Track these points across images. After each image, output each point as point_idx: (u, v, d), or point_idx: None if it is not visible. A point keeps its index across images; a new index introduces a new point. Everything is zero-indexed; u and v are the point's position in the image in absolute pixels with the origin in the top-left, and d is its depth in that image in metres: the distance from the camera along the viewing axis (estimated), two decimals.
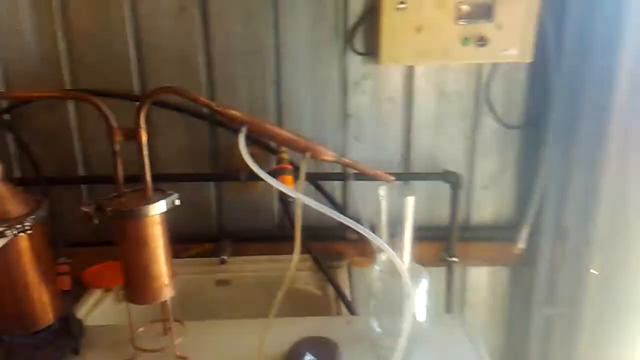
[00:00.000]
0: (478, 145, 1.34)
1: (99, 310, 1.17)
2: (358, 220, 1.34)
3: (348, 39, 1.25)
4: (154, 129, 1.31)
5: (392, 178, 0.81)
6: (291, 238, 1.37)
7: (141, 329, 0.94)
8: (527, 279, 1.38)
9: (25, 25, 1.22)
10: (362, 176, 1.26)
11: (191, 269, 1.30)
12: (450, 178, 1.29)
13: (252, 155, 1.30)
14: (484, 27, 1.13)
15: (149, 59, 1.26)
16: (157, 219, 0.82)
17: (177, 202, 0.84)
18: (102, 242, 1.35)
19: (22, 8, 1.22)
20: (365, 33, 1.24)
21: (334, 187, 1.36)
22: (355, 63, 1.27)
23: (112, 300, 1.22)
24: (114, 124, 0.79)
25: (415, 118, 1.32)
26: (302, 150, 0.76)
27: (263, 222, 1.39)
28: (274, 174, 1.17)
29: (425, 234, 1.37)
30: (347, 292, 1.18)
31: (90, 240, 1.36)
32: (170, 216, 1.39)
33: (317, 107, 1.29)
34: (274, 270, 1.32)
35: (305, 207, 0.79)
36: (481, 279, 1.46)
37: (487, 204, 1.39)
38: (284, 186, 0.72)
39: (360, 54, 1.25)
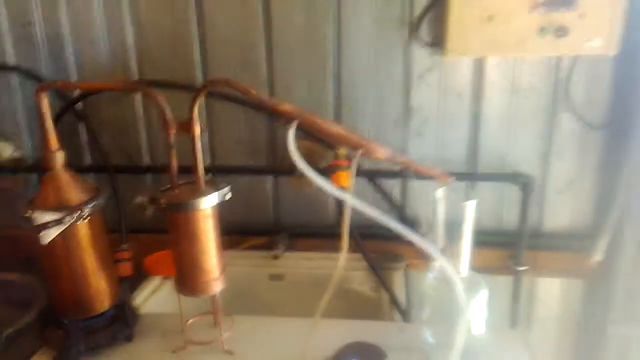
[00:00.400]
0: (554, 145, 1.23)
1: (156, 297, 1.20)
2: (416, 222, 1.29)
3: (413, 29, 1.18)
4: (215, 121, 1.32)
5: (452, 179, 0.75)
6: (350, 236, 1.34)
7: (192, 320, 0.94)
8: (603, 293, 1.25)
9: (97, 18, 1.27)
10: (423, 175, 1.21)
11: (246, 261, 1.30)
12: (521, 180, 1.19)
13: (310, 151, 1.29)
14: (564, 16, 1.03)
15: (212, 51, 1.27)
16: (208, 212, 0.82)
17: (229, 196, 0.84)
18: (165, 230, 1.40)
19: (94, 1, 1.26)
20: (432, 23, 1.17)
21: (393, 186, 1.30)
22: (421, 55, 1.20)
23: (170, 289, 1.25)
24: (169, 115, 0.79)
25: (484, 114, 1.23)
26: (354, 147, 0.72)
27: (319, 218, 1.36)
28: (329, 170, 1.14)
29: (491, 240, 1.29)
30: (402, 296, 1.13)
31: (153, 228, 1.41)
32: (226, 208, 1.40)
33: (379, 101, 1.24)
34: (328, 268, 1.29)
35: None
36: (552, 292, 1.34)
37: (562, 209, 1.28)
38: (329, 184, 0.68)
39: (426, 45, 1.18)
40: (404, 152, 1.26)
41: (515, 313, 1.26)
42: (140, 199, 0.76)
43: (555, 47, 1.06)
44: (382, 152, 0.73)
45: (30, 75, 1.31)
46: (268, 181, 1.35)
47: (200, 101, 0.79)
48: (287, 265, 1.30)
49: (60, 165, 0.84)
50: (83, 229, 0.85)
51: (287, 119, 0.73)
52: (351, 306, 1.24)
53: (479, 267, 0.88)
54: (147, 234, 1.35)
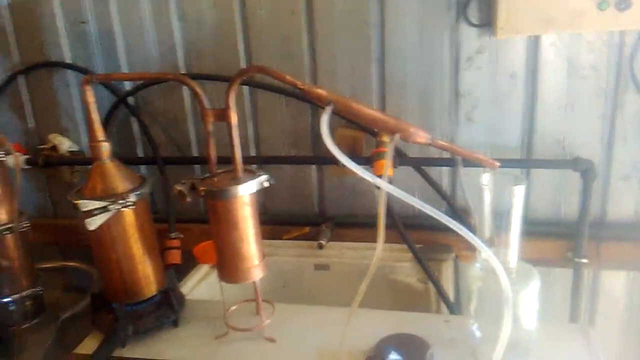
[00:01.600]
0: (618, 128, 1.14)
1: (205, 284, 1.22)
2: (467, 212, 1.23)
3: (461, 9, 1.13)
4: (259, 113, 1.32)
5: (498, 164, 0.70)
6: (393, 226, 1.31)
7: (234, 307, 0.95)
8: None
9: (145, 14, 1.30)
10: (469, 160, 1.15)
11: (291, 251, 1.30)
12: (582, 166, 1.11)
13: (354, 139, 1.26)
14: None
15: (255, 42, 1.27)
16: (246, 199, 0.82)
17: (267, 184, 0.83)
18: None
19: None
20: (480, 2, 1.10)
21: (442, 174, 1.25)
22: (469, 36, 1.14)
23: (216, 277, 1.27)
24: (207, 104, 0.80)
25: (540, 96, 1.15)
26: (391, 131, 0.70)
27: (364, 208, 1.34)
28: (372, 158, 1.12)
29: (549, 230, 1.21)
30: (449, 288, 1.09)
31: (203, 218, 1.44)
32: (271, 198, 1.41)
33: (424, 85, 1.20)
34: (373, 258, 1.27)
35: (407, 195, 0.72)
36: (617, 286, 1.24)
37: (628, 197, 1.18)
38: (367, 172, 0.66)
39: (475, 25, 1.13)
40: (453, 139, 1.20)
41: (576, 307, 1.18)
42: (180, 187, 0.77)
43: (617, 21, 0.97)
44: (422, 136, 0.69)
45: (85, 72, 1.37)
46: (312, 171, 1.34)
47: (237, 91, 0.79)
48: (332, 255, 1.29)
49: (107, 155, 0.87)
50: (129, 216, 0.87)
51: (323, 103, 0.71)
52: (397, 298, 1.22)
53: (535, 259, 0.83)
54: (196, 223, 1.40)
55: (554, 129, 1.17)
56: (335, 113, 0.72)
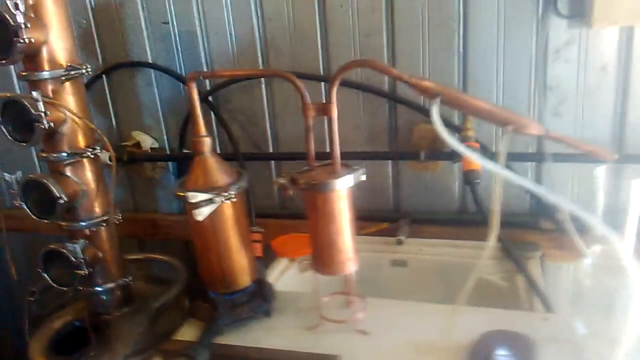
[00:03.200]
0: None
1: (285, 277, 1.25)
2: (554, 209, 1.20)
3: (549, 1, 1.10)
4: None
5: (615, 156, 0.68)
6: (472, 223, 1.29)
7: (325, 299, 0.97)
8: None
9: (224, 12, 1.34)
10: (564, 158, 1.12)
11: (368, 246, 1.30)
12: None
13: (433, 135, 1.25)
14: None
15: (334, 38, 1.28)
16: (344, 192, 0.83)
17: (363, 177, 0.84)
18: (288, 214, 1.46)
19: None
20: None
21: (526, 169, 1.23)
22: (558, 27, 1.11)
23: (296, 270, 1.29)
24: (308, 99, 0.82)
25: (632, 90, 1.11)
26: (503, 123, 0.69)
27: (442, 204, 1.32)
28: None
29: None
30: (540, 286, 1.06)
31: (278, 213, 1.47)
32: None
33: (509, 79, 1.17)
34: (452, 256, 1.26)
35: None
36: None
37: None
38: (488, 161, 0.65)
39: (564, 16, 1.09)
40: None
41: None
42: (281, 180, 0.79)
43: None
44: (535, 128, 0.68)
45: (165, 71, 1.42)
46: (388, 167, 1.34)
47: (337, 87, 0.80)
48: (409, 251, 1.28)
49: (208, 149, 0.90)
50: (228, 209, 0.90)
51: (430, 95, 0.71)
52: (480, 295, 1.19)
53: None
54: (272, 218, 1.43)
55: None
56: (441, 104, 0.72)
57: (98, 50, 1.50)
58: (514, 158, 1.18)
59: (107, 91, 1.54)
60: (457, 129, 1.22)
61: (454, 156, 1.18)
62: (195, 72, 0.84)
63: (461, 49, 1.19)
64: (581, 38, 1.11)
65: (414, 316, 0.93)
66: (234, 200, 0.87)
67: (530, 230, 1.20)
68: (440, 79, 1.22)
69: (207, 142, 0.89)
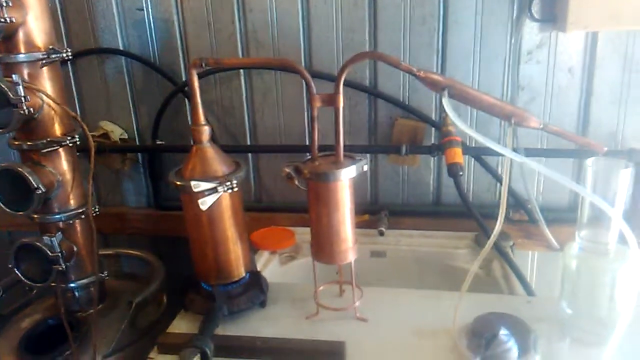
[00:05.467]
0: None
1: (267, 270, 1.24)
2: (525, 200, 1.27)
3: (524, 5, 1.17)
4: None
5: (605, 148, 0.75)
6: (447, 215, 1.35)
7: (321, 287, 0.98)
8: None
9: (204, 1, 1.32)
10: (541, 153, 1.20)
11: None
12: (637, 157, 1.16)
13: (413, 129, 1.30)
14: None
15: (316, 30, 1.29)
16: (347, 182, 0.85)
17: (365, 168, 0.86)
18: (264, 207, 1.45)
19: None
20: None
21: (499, 163, 1.30)
22: (531, 30, 1.19)
23: (277, 263, 1.29)
24: (314, 90, 0.82)
25: (596, 90, 1.21)
26: (507, 115, 0.73)
27: (418, 197, 1.37)
28: (444, 146, 1.15)
29: None
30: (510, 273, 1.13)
31: (254, 205, 1.46)
32: None
33: (485, 78, 1.24)
34: (429, 246, 1.31)
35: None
36: None
37: None
38: (506, 149, 0.69)
39: (537, 20, 1.17)
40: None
41: None
42: (287, 169, 0.79)
43: None
44: (534, 121, 0.73)
45: (139, 59, 1.38)
46: (366, 159, 1.37)
47: (344, 78, 0.81)
48: (388, 242, 1.32)
49: (207, 138, 0.89)
50: (226, 199, 0.89)
51: (439, 88, 0.74)
52: (458, 284, 1.25)
53: None
54: (249, 211, 1.41)
55: (609, 123, 1.22)
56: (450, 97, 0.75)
57: (64, 35, 1.42)
58: (488, 152, 1.25)
59: (72, 79, 1.46)
60: (435, 125, 1.27)
61: (432, 150, 1.23)
62: (197, 58, 0.82)
63: (440, 47, 1.24)
64: (551, 41, 1.19)
65: (405, 302, 0.96)
66: (236, 190, 0.87)
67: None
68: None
69: (206, 131, 0.88)
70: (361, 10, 1.25)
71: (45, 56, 1.00)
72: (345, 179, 0.84)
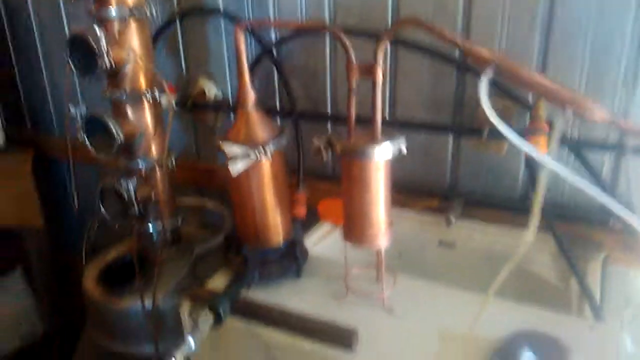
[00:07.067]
0: None
1: (326, 242, 1.23)
2: (627, 206, 1.07)
3: None
4: (399, 71, 1.26)
5: None
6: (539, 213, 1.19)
7: (356, 270, 0.94)
8: None
9: None
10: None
11: (415, 223, 1.24)
12: None
13: (502, 109, 1.15)
14: None
15: None
16: (382, 163, 0.78)
17: (404, 149, 0.78)
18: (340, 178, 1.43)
19: None
20: None
21: (603, 161, 1.09)
22: None
23: (338, 236, 1.27)
24: (352, 58, 0.76)
25: None
26: (564, 103, 0.60)
27: (504, 188, 1.22)
28: (526, 134, 1.00)
29: None
30: (596, 291, 0.96)
31: (331, 175, 1.44)
32: (400, 164, 1.36)
33: (600, 55, 1.03)
34: (506, 245, 1.17)
35: (558, 179, 0.63)
36: None
37: None
38: (531, 146, 0.58)
39: None
40: (627, 120, 1.03)
41: None
42: (317, 142, 0.75)
43: None
44: (599, 112, 0.59)
45: (235, 19, 1.41)
46: (449, 140, 1.26)
47: (386, 46, 0.74)
48: (460, 233, 1.21)
49: (252, 103, 0.88)
50: (266, 165, 0.89)
51: (484, 64, 0.63)
52: (530, 292, 1.10)
53: None
54: (324, 180, 1.40)
55: None
56: (497, 78, 0.64)
57: None
58: (592, 145, 1.06)
59: (179, 37, 1.56)
60: (530, 107, 1.10)
61: (520, 135, 1.07)
62: (244, 21, 0.81)
63: (546, 17, 1.06)
64: None
65: (446, 302, 0.88)
66: (271, 157, 0.86)
67: (598, 227, 1.07)
68: (518, 51, 1.10)
69: (250, 95, 0.87)
70: None
71: (131, 13, 1.08)
72: (380, 158, 0.78)
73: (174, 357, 0.66)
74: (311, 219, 1.27)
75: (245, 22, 0.81)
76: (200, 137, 1.66)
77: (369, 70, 0.75)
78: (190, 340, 0.70)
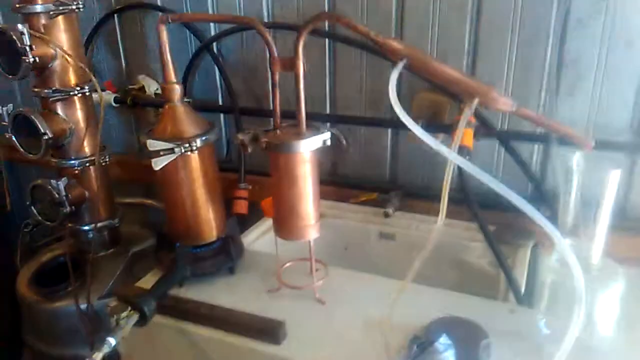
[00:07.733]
0: None
1: (267, 238, 1.22)
2: (556, 196, 1.11)
3: None
4: (338, 67, 1.27)
5: (592, 143, 0.60)
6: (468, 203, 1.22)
7: (289, 264, 0.94)
8: None
9: None
10: (560, 135, 1.02)
11: (357, 216, 1.26)
12: None
13: (435, 104, 1.17)
14: None
15: None
16: (307, 156, 0.78)
17: (328, 142, 0.79)
18: None
19: None
20: None
21: (532, 152, 1.13)
22: None
23: None
24: (275, 52, 0.76)
25: None
26: (470, 94, 0.62)
27: (440, 180, 1.25)
28: (453, 126, 1.03)
29: None
30: (522, 277, 0.99)
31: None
32: (341, 159, 1.36)
33: (524, 51, 1.07)
34: (444, 234, 1.19)
35: (489, 171, 0.64)
36: None
37: None
38: (431, 139, 0.59)
39: None
40: (550, 114, 1.07)
41: None
42: (242, 136, 0.75)
43: None
44: (503, 103, 0.61)
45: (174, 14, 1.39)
46: (388, 134, 1.28)
47: (305, 40, 0.74)
48: (399, 225, 1.23)
49: (178, 97, 0.87)
50: (194, 161, 0.87)
51: (396, 58, 0.65)
52: (465, 280, 1.14)
53: (630, 258, 0.73)
54: (268, 177, 1.40)
55: None
56: (414, 72, 0.65)
57: None
58: (520, 137, 1.10)
59: (117, 32, 1.52)
60: (461, 101, 1.13)
61: (451, 130, 1.10)
62: (166, 14, 0.80)
63: (474, 11, 1.09)
64: (607, 9, 0.98)
65: (376, 291, 0.89)
66: (200, 152, 0.84)
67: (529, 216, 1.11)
68: (449, 43, 1.13)
69: (176, 89, 0.86)
70: None
71: (55, 8, 1.04)
72: (305, 151, 0.78)
73: (92, 358, 0.65)
74: (260, 216, 1.26)
75: (165, 15, 0.79)
76: (141, 133, 1.62)
77: (290, 64, 0.75)
78: (110, 340, 0.68)
